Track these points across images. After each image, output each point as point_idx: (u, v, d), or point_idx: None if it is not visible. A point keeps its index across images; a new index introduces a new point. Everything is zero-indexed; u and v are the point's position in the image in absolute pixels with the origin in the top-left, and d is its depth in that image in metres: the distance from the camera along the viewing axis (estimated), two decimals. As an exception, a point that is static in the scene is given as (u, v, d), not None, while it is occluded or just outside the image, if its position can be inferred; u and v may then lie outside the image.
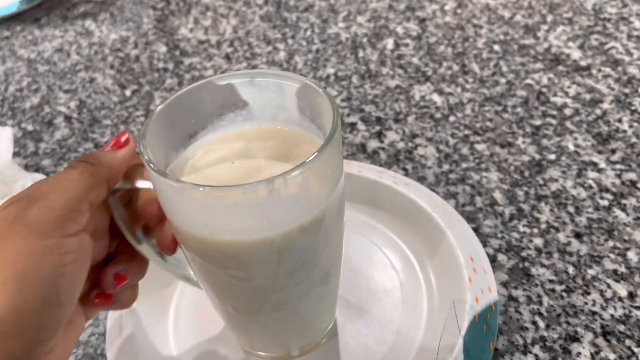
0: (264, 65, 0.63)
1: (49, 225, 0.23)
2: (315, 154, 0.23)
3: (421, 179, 0.46)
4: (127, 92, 0.62)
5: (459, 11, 0.69)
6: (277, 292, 0.28)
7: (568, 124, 0.50)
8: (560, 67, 0.57)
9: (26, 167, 0.53)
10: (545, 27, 0.64)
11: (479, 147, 0.49)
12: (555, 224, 0.42)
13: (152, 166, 0.24)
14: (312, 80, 0.28)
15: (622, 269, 0.38)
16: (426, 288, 0.38)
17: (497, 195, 0.44)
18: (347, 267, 0.38)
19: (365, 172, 0.44)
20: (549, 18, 0.65)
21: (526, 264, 0.39)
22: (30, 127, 0.58)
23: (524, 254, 0.40)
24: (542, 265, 0.39)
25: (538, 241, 0.41)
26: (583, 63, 0.58)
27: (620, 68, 0.56)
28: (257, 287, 0.27)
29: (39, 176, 0.50)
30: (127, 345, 0.35)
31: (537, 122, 0.51)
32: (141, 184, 0.27)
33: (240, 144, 0.30)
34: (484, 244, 0.41)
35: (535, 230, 0.41)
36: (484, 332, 0.34)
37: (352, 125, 0.53)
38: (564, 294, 0.37)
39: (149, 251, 0.29)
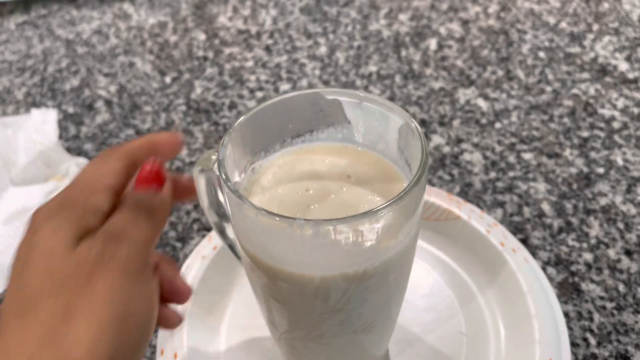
0: (306, 60, 0.63)
1: (141, 265, 0.22)
2: (383, 207, 0.22)
3: (468, 186, 0.46)
4: (167, 79, 0.61)
5: (502, 15, 0.68)
6: (313, 324, 0.28)
7: (616, 137, 0.50)
8: (607, 79, 0.57)
9: (68, 150, 0.53)
10: (591, 36, 0.63)
11: (526, 156, 0.49)
12: (605, 240, 0.41)
13: (229, 185, 0.24)
14: (414, 121, 0.27)
15: (674, 289, 0.38)
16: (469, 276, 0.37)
17: (545, 206, 0.44)
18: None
19: (473, 219, 0.40)
20: (595, 27, 0.64)
21: (576, 278, 0.39)
22: (71, 110, 0.58)
23: (573, 268, 0.40)
24: (592, 281, 0.39)
25: (588, 256, 0.40)
26: (630, 75, 0.57)
27: (668, 83, 0.56)
28: (295, 311, 0.27)
29: (83, 160, 0.50)
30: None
31: (585, 134, 0.50)
32: None
33: (329, 159, 0.29)
34: (533, 255, 0.41)
35: (585, 245, 0.41)
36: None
37: (396, 126, 0.53)
38: (615, 312, 0.37)
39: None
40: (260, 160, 0.30)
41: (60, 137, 0.54)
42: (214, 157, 0.27)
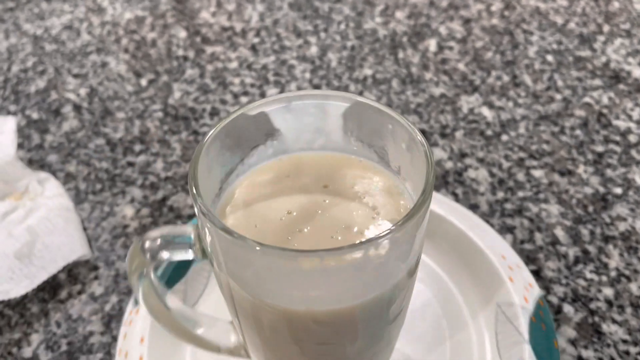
0: (294, 61, 0.58)
1: None
2: (384, 237, 0.19)
3: (473, 207, 0.42)
4: (143, 82, 0.56)
5: (506, 13, 0.63)
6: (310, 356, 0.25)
7: (634, 152, 0.46)
8: (621, 86, 0.52)
9: (30, 162, 0.48)
10: (601, 38, 0.59)
11: (536, 173, 0.44)
12: (626, 272, 0.37)
13: (210, 218, 0.20)
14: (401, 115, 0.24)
15: None
16: (463, 298, 0.35)
17: (559, 232, 0.40)
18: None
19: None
20: (605, 28, 0.60)
21: (596, 318, 0.35)
22: (35, 115, 0.53)
23: (592, 305, 0.36)
24: (614, 322, 0.35)
25: (608, 291, 0.36)
26: (646, 83, 0.53)
27: (687, 91, 0.51)
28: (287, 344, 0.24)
29: (45, 175, 0.44)
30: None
31: (599, 149, 0.46)
32: None
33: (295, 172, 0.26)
34: (547, 290, 0.36)
35: (605, 278, 0.37)
36: (544, 331, 0.31)
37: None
38: (639, 357, 0.33)
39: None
40: (228, 182, 0.26)
41: (22, 146, 0.49)
42: (155, 241, 0.23)
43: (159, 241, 0.23)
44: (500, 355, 0.31)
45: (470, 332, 0.33)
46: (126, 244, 0.41)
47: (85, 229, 0.42)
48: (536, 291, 0.33)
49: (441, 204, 0.37)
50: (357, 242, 0.20)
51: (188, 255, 0.24)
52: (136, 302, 0.33)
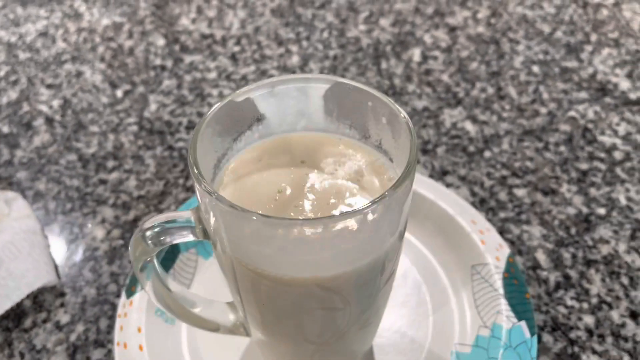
0: (275, 71, 0.56)
1: None
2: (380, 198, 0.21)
3: (453, 229, 0.41)
4: (119, 93, 0.54)
5: (492, 21, 0.62)
6: (305, 324, 0.27)
7: (618, 170, 0.45)
8: (607, 99, 0.51)
9: (-1, 179, 0.46)
10: (589, 47, 0.57)
11: (519, 192, 0.43)
12: (608, 299, 0.36)
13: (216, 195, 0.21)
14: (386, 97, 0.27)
15: (686, 362, 0.33)
16: (439, 263, 0.37)
17: (541, 256, 0.39)
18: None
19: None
20: (593, 37, 0.59)
21: (576, 348, 0.34)
22: (5, 129, 0.51)
23: (572, 335, 0.35)
24: (594, 352, 0.34)
25: (589, 320, 0.35)
26: (632, 96, 0.52)
27: (674, 105, 0.50)
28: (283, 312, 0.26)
29: (13, 195, 0.43)
30: None
31: (584, 166, 0.45)
32: None
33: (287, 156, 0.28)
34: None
35: (585, 306, 0.36)
36: (517, 285, 0.34)
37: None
38: (620, 391, 0.32)
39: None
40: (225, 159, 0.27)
41: (-9, 163, 0.48)
42: (154, 229, 0.24)
43: (158, 228, 0.24)
44: (478, 311, 0.34)
45: (449, 293, 0.36)
46: (95, 268, 0.39)
47: (52, 252, 0.40)
48: (506, 251, 0.36)
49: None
50: (353, 209, 0.21)
51: (188, 237, 0.25)
52: (128, 293, 0.34)
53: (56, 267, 0.39)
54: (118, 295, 0.38)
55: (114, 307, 0.37)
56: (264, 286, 0.24)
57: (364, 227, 0.21)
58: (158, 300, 0.28)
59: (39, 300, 0.38)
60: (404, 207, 0.23)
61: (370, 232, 0.22)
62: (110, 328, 0.36)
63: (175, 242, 0.25)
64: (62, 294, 0.38)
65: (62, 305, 0.37)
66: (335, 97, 0.27)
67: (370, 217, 0.21)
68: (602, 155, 0.46)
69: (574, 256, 0.39)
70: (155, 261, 0.26)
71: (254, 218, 0.20)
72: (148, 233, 0.25)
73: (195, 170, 0.22)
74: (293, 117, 0.28)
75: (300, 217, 0.24)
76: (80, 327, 0.36)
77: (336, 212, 0.24)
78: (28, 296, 0.37)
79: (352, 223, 0.21)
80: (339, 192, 0.25)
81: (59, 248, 0.41)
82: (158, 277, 0.27)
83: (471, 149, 0.47)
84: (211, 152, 0.26)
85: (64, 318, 0.36)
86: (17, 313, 0.37)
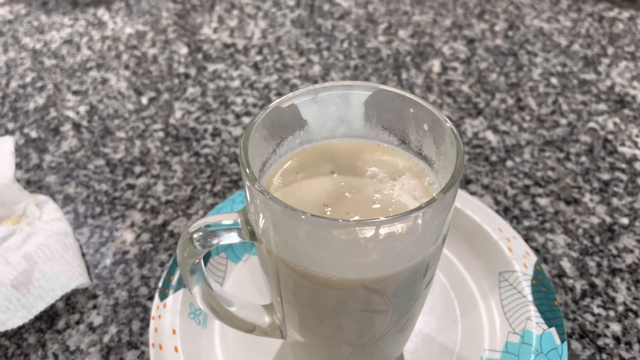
0: (297, 80, 0.57)
1: None
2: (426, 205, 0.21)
3: (478, 237, 0.41)
4: (144, 100, 0.55)
5: (510, 33, 0.63)
6: (342, 326, 0.27)
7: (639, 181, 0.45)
8: (626, 111, 0.52)
9: (28, 183, 0.47)
10: (606, 60, 0.58)
11: (542, 201, 0.44)
12: (634, 307, 0.37)
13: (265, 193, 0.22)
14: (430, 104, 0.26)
15: None
16: (466, 269, 0.38)
17: (566, 264, 0.39)
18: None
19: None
20: (610, 50, 0.60)
21: (604, 355, 0.34)
22: (34, 134, 0.52)
23: (600, 342, 0.35)
24: (622, 359, 0.34)
25: (616, 327, 0.36)
26: (651, 108, 0.52)
27: (692, 117, 0.51)
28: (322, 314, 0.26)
29: (43, 198, 0.44)
30: None
31: (605, 177, 0.46)
32: None
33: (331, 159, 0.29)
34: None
35: (612, 313, 0.36)
36: (545, 292, 0.34)
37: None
38: (649, 398, 0.33)
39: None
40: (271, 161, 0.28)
41: (20, 166, 0.48)
42: (201, 231, 0.25)
43: (206, 230, 0.25)
44: (507, 318, 0.34)
45: (477, 300, 0.36)
46: (126, 271, 0.40)
47: (83, 255, 0.41)
48: (533, 258, 0.36)
49: None
50: (406, 211, 0.21)
51: (234, 239, 0.25)
52: (162, 295, 0.35)
53: (88, 270, 0.40)
54: (149, 298, 0.38)
55: (145, 309, 0.37)
56: (308, 287, 0.25)
57: (414, 229, 0.22)
58: (203, 300, 0.28)
59: (71, 302, 0.38)
60: (450, 212, 0.24)
61: (419, 235, 0.23)
62: (143, 330, 0.36)
63: (222, 243, 0.26)
64: (95, 296, 0.38)
65: (94, 307, 0.38)
66: (376, 104, 0.28)
67: (420, 220, 0.22)
68: (623, 165, 0.47)
69: (599, 265, 0.39)
70: (202, 263, 0.27)
71: (309, 218, 0.21)
72: (195, 235, 0.25)
73: (248, 171, 0.23)
74: (333, 123, 0.29)
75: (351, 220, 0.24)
76: (113, 329, 0.36)
77: (382, 216, 0.25)
78: (61, 298, 0.38)
79: (403, 225, 0.21)
80: (382, 197, 0.26)
81: (89, 251, 0.41)
82: (204, 277, 0.28)
83: (493, 158, 0.48)
84: (257, 155, 0.27)
85: (96, 320, 0.37)
86: (50, 315, 0.37)
